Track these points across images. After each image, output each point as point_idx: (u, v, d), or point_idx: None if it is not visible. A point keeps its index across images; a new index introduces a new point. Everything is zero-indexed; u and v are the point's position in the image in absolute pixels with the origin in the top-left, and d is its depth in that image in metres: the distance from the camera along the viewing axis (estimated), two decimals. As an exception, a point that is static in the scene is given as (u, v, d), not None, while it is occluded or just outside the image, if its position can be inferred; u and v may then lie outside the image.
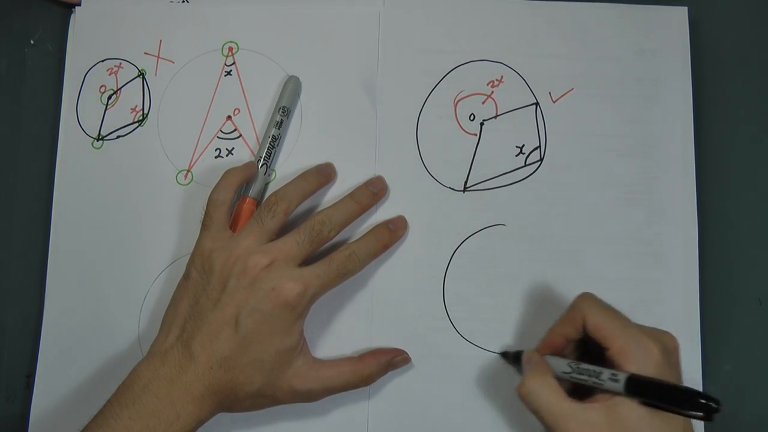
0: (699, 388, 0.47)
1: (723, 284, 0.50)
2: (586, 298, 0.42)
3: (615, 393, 0.39)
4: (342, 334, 0.48)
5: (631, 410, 0.38)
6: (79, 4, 0.53)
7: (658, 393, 0.37)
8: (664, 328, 0.41)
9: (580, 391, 0.40)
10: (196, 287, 0.44)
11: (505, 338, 0.48)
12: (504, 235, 0.49)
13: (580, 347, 0.44)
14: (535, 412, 0.40)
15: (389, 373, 0.47)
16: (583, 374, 0.40)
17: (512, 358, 0.47)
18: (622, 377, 0.38)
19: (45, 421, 0.49)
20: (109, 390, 0.42)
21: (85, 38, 0.53)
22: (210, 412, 0.42)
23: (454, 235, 0.49)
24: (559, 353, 0.43)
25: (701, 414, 0.36)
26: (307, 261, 0.45)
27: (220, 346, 0.42)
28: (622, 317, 0.41)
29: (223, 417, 0.44)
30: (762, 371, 0.49)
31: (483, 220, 0.49)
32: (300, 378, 0.44)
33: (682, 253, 0.49)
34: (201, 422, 0.42)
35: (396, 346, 0.48)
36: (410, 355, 0.48)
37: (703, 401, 0.36)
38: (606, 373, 0.39)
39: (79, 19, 0.53)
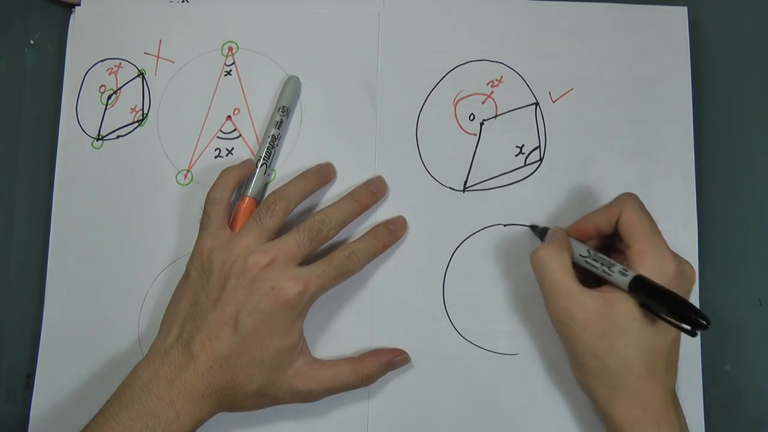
0: (698, 387, 0.47)
1: (723, 284, 0.50)
2: (630, 195, 0.43)
3: (619, 288, 0.40)
4: (342, 334, 0.48)
5: (628, 308, 0.40)
6: (79, 4, 0.53)
7: (658, 297, 0.39)
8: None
9: (589, 285, 0.41)
10: (196, 287, 0.44)
11: (505, 338, 0.48)
12: (504, 235, 0.49)
13: (603, 248, 0.45)
14: (539, 280, 0.42)
15: (389, 373, 0.47)
16: (597, 261, 0.41)
17: (539, 232, 0.47)
18: (631, 273, 0.40)
19: (45, 421, 0.49)
20: (109, 390, 0.42)
21: (84, 38, 0.53)
22: (210, 411, 0.42)
23: (454, 235, 0.49)
24: (584, 241, 0.44)
25: (688, 328, 0.38)
26: (307, 260, 0.45)
27: (219, 345, 0.42)
28: (655, 226, 0.42)
29: (223, 417, 0.44)
30: (762, 371, 0.49)
31: (483, 220, 0.49)
32: (300, 378, 0.44)
33: (682, 253, 0.48)
34: (201, 422, 0.42)
35: (396, 346, 0.48)
36: (410, 355, 0.48)
37: (693, 315, 0.37)
38: (618, 266, 0.40)
39: (79, 19, 0.53)
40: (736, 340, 0.49)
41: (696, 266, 0.48)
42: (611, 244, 0.45)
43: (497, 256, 0.49)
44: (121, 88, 0.52)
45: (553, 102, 0.50)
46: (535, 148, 0.50)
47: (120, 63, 0.52)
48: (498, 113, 0.50)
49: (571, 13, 0.51)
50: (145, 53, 0.52)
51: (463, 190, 0.50)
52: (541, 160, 0.50)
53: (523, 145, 0.50)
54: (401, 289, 0.49)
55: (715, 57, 0.52)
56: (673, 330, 0.40)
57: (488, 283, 0.49)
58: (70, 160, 0.51)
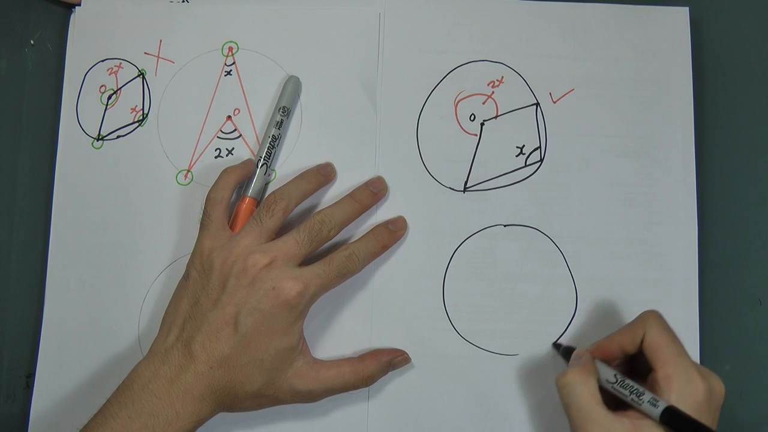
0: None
1: (723, 284, 0.50)
2: (653, 314, 0.42)
3: (648, 416, 0.39)
4: (342, 334, 0.48)
5: None
6: (79, 4, 0.53)
7: (691, 430, 0.37)
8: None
9: (615, 405, 0.40)
10: (196, 287, 0.44)
11: (505, 338, 0.48)
12: (504, 235, 0.49)
13: (628, 365, 0.44)
14: (567, 406, 0.40)
15: (389, 374, 0.47)
16: (625, 389, 0.40)
17: (562, 351, 0.46)
18: (662, 404, 0.38)
19: (45, 421, 0.49)
20: (108, 390, 0.42)
21: (85, 38, 0.53)
22: (210, 411, 0.42)
23: (454, 235, 0.49)
24: (608, 362, 0.43)
25: None
26: (307, 261, 0.45)
27: (219, 345, 0.42)
28: (681, 346, 0.40)
29: (223, 417, 0.44)
30: (762, 371, 0.49)
31: (483, 220, 0.49)
32: (300, 378, 0.44)
33: (682, 253, 0.49)
34: (201, 422, 0.42)
35: (396, 346, 0.48)
36: (410, 355, 0.48)
37: None
38: (647, 395, 0.39)
39: (79, 19, 0.53)
40: (736, 340, 0.49)
41: (696, 266, 0.48)
42: (637, 357, 0.43)
43: (497, 256, 0.49)
44: (121, 88, 0.52)
45: (554, 102, 0.50)
46: (536, 149, 0.50)
47: (120, 63, 0.52)
48: (498, 113, 0.50)
49: (572, 13, 0.51)
50: (145, 53, 0.52)
51: (464, 190, 0.50)
52: (541, 160, 0.50)
53: (523, 146, 0.50)
54: (401, 289, 0.49)
55: (717, 57, 0.52)
56: None
57: (488, 283, 0.49)
58: (70, 160, 0.51)
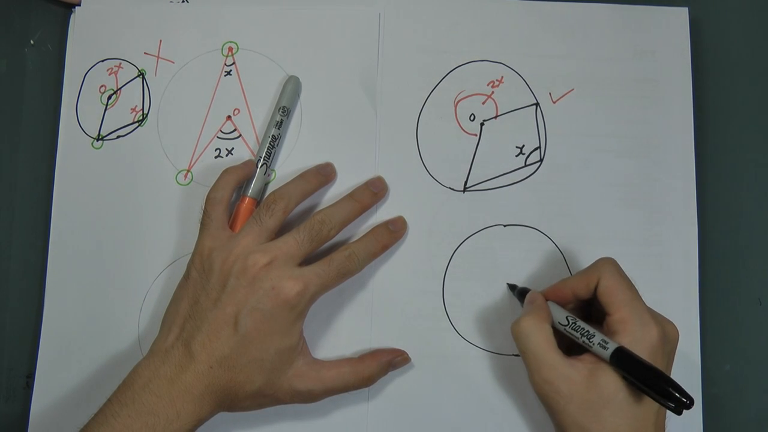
0: (698, 387, 0.47)
1: (723, 284, 0.50)
2: (608, 261, 0.43)
3: (601, 359, 0.39)
4: (342, 334, 0.48)
5: (611, 380, 0.39)
6: (79, 4, 0.53)
7: (639, 372, 0.38)
8: (663, 327, 0.41)
9: (569, 350, 0.41)
10: (196, 287, 0.44)
11: (505, 338, 0.48)
12: (504, 235, 0.49)
13: (583, 312, 0.45)
14: (523, 353, 0.41)
15: (389, 374, 0.47)
16: (576, 331, 0.41)
17: (518, 292, 0.47)
18: (611, 346, 0.39)
19: (45, 421, 0.49)
20: (108, 390, 0.42)
21: (85, 38, 0.53)
22: (210, 411, 0.42)
23: (454, 235, 0.49)
24: (562, 306, 0.44)
25: (672, 405, 0.37)
26: (307, 261, 0.45)
27: (219, 345, 0.42)
28: (635, 291, 0.41)
29: (223, 417, 0.44)
30: (762, 371, 0.49)
31: (483, 220, 0.49)
32: (300, 378, 0.44)
33: (682, 253, 0.49)
34: (201, 421, 0.42)
35: (396, 346, 0.48)
36: (410, 355, 0.48)
37: (676, 393, 0.36)
38: (598, 337, 0.40)
39: (79, 19, 0.53)
40: (736, 340, 0.49)
41: (696, 266, 0.48)
42: (592, 304, 0.44)
43: (497, 256, 0.49)
44: (121, 88, 0.52)
45: (554, 102, 0.50)
46: (536, 149, 0.50)
47: (120, 63, 0.52)
48: (498, 113, 0.50)
49: (572, 13, 0.51)
50: (145, 53, 0.52)
51: (463, 190, 0.50)
52: (541, 160, 0.50)
53: (523, 146, 0.50)
54: (401, 289, 0.49)
55: (716, 57, 0.52)
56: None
57: (488, 283, 0.49)
58: (70, 160, 0.51)
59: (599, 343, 0.39)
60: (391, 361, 0.47)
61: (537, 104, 0.50)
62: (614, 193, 0.49)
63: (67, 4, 0.53)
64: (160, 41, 0.52)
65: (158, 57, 0.52)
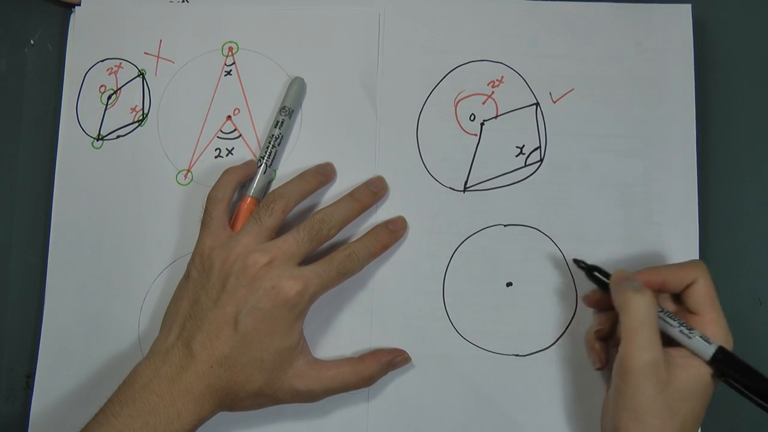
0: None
1: (723, 284, 0.50)
2: (704, 265, 0.43)
3: (696, 355, 0.40)
4: (342, 334, 0.48)
5: (703, 376, 0.40)
6: (79, 4, 0.53)
7: (743, 374, 0.39)
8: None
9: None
10: (196, 286, 0.44)
11: (505, 338, 0.48)
12: (504, 235, 0.49)
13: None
14: (637, 325, 0.39)
15: (389, 374, 0.47)
16: (674, 320, 0.41)
17: (587, 269, 0.45)
18: (714, 344, 0.39)
19: (45, 421, 0.49)
20: (109, 390, 0.42)
21: (85, 38, 0.53)
22: (210, 410, 0.42)
23: (454, 235, 0.49)
24: None
25: None
26: (307, 260, 0.45)
27: (220, 345, 0.42)
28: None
29: (223, 417, 0.44)
30: (762, 371, 0.49)
31: (483, 220, 0.49)
32: (300, 378, 0.44)
33: (682, 253, 0.48)
34: (201, 421, 0.42)
35: (396, 346, 0.48)
36: (410, 355, 0.48)
37: None
38: (697, 332, 0.40)
39: (79, 19, 0.53)
40: (736, 340, 0.49)
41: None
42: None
43: (497, 256, 0.49)
44: (121, 88, 0.52)
45: (554, 102, 0.50)
46: (536, 149, 0.50)
47: (120, 63, 0.52)
48: (498, 113, 0.50)
49: (573, 12, 0.51)
50: (145, 53, 0.52)
51: (463, 190, 0.50)
52: (541, 160, 0.50)
53: (523, 146, 0.50)
54: (401, 289, 0.49)
55: (719, 56, 0.52)
56: (715, 390, 0.40)
57: (488, 283, 0.49)
58: (70, 160, 0.51)
59: (700, 337, 0.40)
60: (391, 361, 0.47)
61: (537, 104, 0.50)
62: (614, 193, 0.49)
63: (67, 4, 0.53)
64: (160, 41, 0.52)
65: (158, 57, 0.52)
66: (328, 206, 0.46)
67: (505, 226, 0.49)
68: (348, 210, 0.47)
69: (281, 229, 0.46)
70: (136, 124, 0.52)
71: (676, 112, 0.50)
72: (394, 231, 0.48)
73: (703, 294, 0.42)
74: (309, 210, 0.49)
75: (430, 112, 0.50)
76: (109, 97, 0.52)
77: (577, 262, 0.46)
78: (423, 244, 0.49)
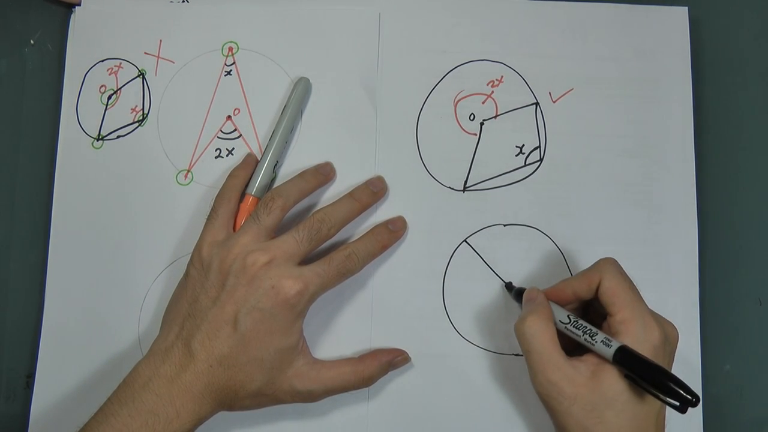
0: (698, 387, 0.47)
1: (723, 284, 0.50)
2: (610, 261, 0.43)
3: (602, 358, 0.39)
4: (342, 334, 0.48)
5: (614, 380, 0.39)
6: (79, 4, 0.53)
7: (643, 370, 0.38)
8: (664, 327, 0.41)
9: (569, 351, 0.41)
10: (196, 285, 0.44)
11: (505, 338, 0.48)
12: (504, 234, 0.49)
13: (581, 312, 0.45)
14: (527, 352, 0.41)
15: (389, 374, 0.47)
16: (578, 329, 0.41)
17: (515, 293, 0.47)
18: (615, 344, 0.39)
19: (45, 421, 0.49)
20: (108, 390, 0.42)
21: (85, 38, 0.53)
22: (210, 410, 0.42)
23: (454, 235, 0.49)
24: (562, 306, 0.44)
25: (677, 404, 0.37)
26: (307, 260, 0.45)
27: (219, 344, 0.42)
28: (637, 293, 0.41)
29: (223, 417, 0.44)
30: (762, 371, 0.49)
31: (483, 220, 0.49)
32: (300, 378, 0.44)
33: (682, 253, 0.49)
34: (201, 420, 0.42)
35: (396, 346, 0.48)
36: (410, 355, 0.48)
37: (682, 391, 0.36)
38: (600, 335, 0.40)
39: (79, 19, 0.53)
40: (736, 340, 0.49)
41: (696, 266, 0.48)
42: (590, 305, 0.45)
43: (497, 256, 0.49)
44: (121, 88, 0.52)
45: (554, 102, 0.50)
46: (536, 148, 0.50)
47: (120, 63, 0.52)
48: (498, 113, 0.50)
49: (572, 13, 0.51)
50: (145, 53, 0.52)
51: (463, 190, 0.50)
52: (541, 160, 0.50)
53: (523, 145, 0.50)
54: (401, 289, 0.49)
55: (716, 57, 0.52)
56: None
57: (488, 283, 0.49)
58: (70, 160, 0.51)
59: (602, 341, 0.39)
60: (391, 361, 0.47)
61: (537, 104, 0.50)
62: (614, 193, 0.49)
63: (67, 4, 0.53)
64: (160, 41, 0.52)
65: (158, 57, 0.52)
66: (327, 206, 0.46)
67: (504, 225, 0.49)
68: (348, 210, 0.47)
69: (280, 230, 0.46)
70: (137, 124, 0.52)
71: (675, 112, 0.50)
72: (393, 231, 0.48)
73: (609, 294, 0.41)
74: (308, 210, 0.49)
75: (430, 112, 0.50)
76: (109, 97, 0.52)
77: (506, 285, 0.48)
78: (423, 244, 0.49)
